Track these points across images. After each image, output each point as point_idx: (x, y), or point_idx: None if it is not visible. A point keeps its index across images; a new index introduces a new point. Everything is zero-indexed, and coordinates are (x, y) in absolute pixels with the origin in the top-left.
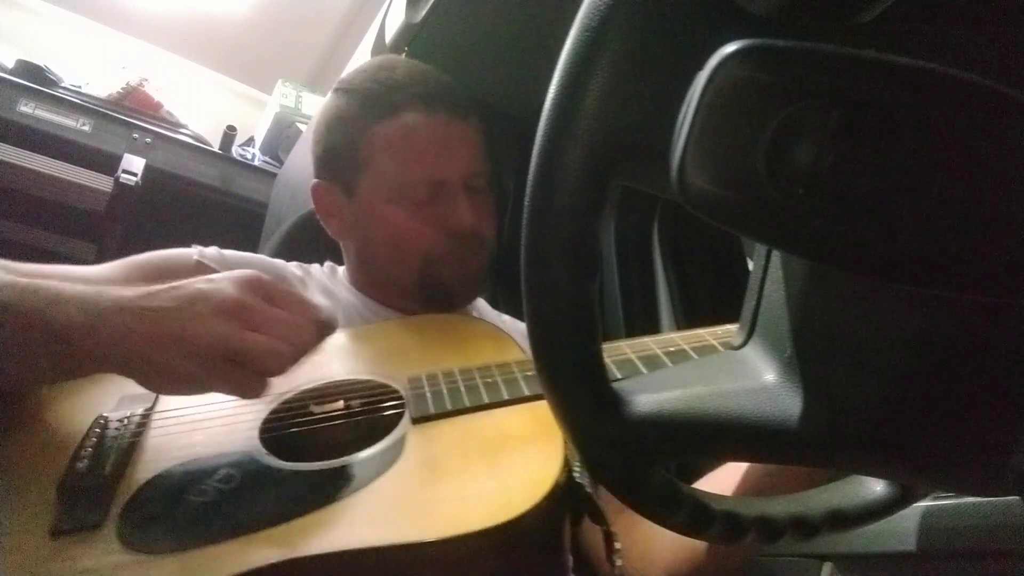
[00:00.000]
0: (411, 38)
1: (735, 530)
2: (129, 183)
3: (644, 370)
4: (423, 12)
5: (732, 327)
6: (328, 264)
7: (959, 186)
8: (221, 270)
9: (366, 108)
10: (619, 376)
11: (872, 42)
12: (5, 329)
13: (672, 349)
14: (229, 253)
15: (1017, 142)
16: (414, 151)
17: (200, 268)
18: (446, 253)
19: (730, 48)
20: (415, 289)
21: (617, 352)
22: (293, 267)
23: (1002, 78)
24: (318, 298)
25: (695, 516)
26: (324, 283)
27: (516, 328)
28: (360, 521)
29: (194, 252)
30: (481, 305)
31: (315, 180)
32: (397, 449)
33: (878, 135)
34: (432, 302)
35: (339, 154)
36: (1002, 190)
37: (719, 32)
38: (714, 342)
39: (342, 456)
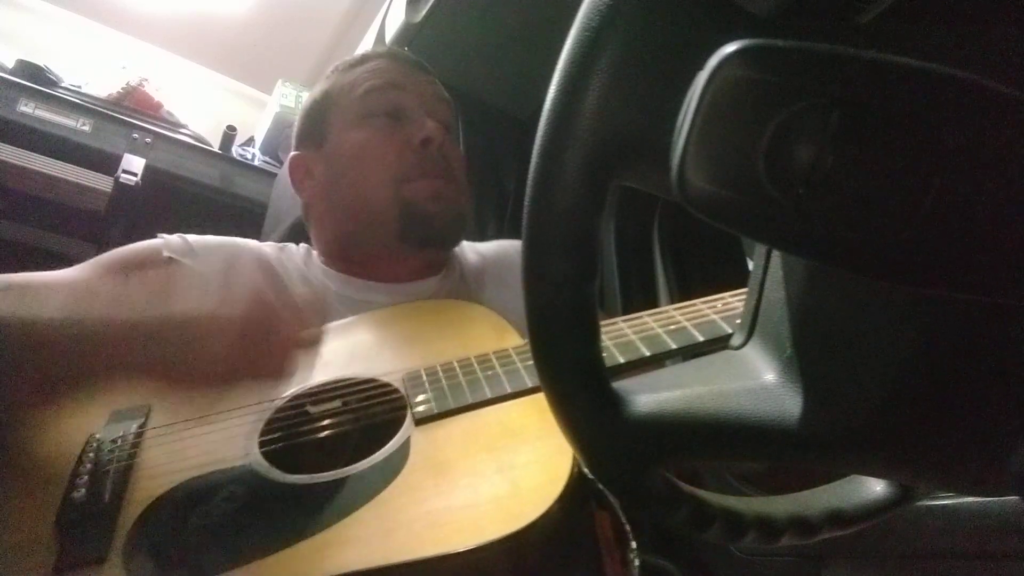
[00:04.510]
0: (411, 38)
1: (735, 530)
2: (129, 183)
3: (645, 351)
4: (423, 12)
5: (732, 300)
6: (304, 246)
7: (959, 186)
8: (190, 261)
9: (337, 70)
10: (621, 360)
11: (872, 42)
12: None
13: (673, 327)
14: (195, 240)
15: (1017, 142)
16: (376, 83)
17: (170, 263)
18: (417, 173)
19: (730, 48)
20: (394, 220)
21: (617, 333)
22: (268, 247)
23: (1002, 78)
24: (295, 281)
25: (695, 516)
26: (299, 264)
27: (505, 248)
28: (374, 537)
29: (162, 246)
30: (466, 255)
31: (290, 155)
32: (403, 454)
33: (878, 135)
34: (413, 232)
35: (312, 111)
36: (1002, 190)
37: (719, 32)
38: (715, 316)
39: (346, 462)
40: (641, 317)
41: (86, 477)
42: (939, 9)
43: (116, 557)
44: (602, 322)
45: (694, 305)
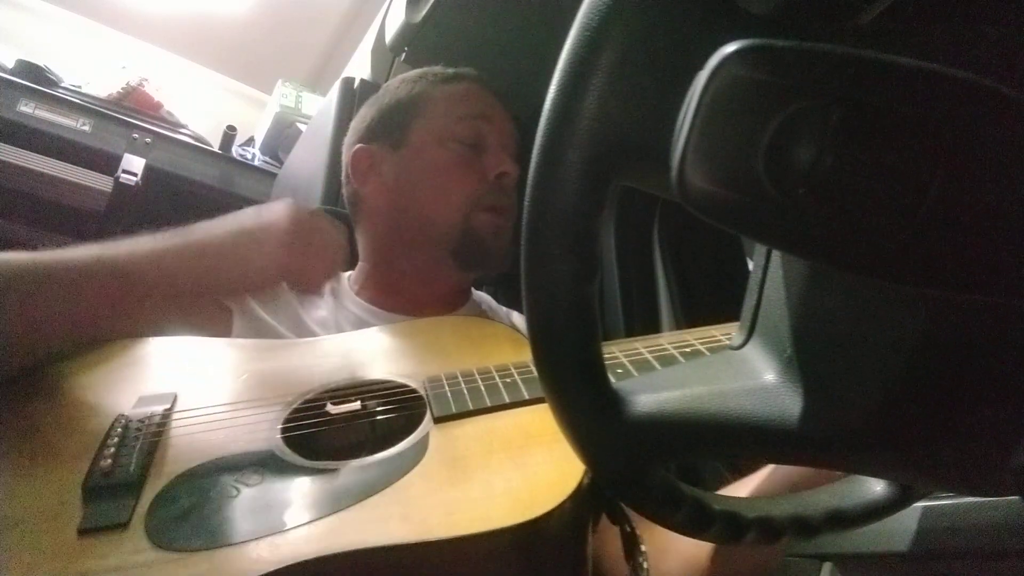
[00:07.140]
0: (411, 38)
1: (735, 530)
2: (129, 183)
3: (659, 368)
4: (423, 12)
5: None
6: None
7: (959, 186)
8: None
9: (430, 76)
10: (635, 375)
11: (872, 42)
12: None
13: (688, 349)
14: None
15: (1017, 142)
16: (468, 107)
17: None
18: (488, 204)
19: (730, 48)
20: (454, 240)
21: (632, 351)
22: None
23: (1002, 78)
24: (327, 303)
25: (695, 516)
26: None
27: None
28: (389, 518)
29: None
30: (490, 301)
31: (357, 146)
32: (421, 448)
33: (878, 135)
34: (466, 254)
35: (395, 110)
36: (1002, 190)
37: (719, 32)
38: (727, 341)
39: (365, 455)
40: (656, 339)
41: (113, 449)
42: (939, 9)
43: (138, 523)
44: (618, 341)
45: (707, 331)
